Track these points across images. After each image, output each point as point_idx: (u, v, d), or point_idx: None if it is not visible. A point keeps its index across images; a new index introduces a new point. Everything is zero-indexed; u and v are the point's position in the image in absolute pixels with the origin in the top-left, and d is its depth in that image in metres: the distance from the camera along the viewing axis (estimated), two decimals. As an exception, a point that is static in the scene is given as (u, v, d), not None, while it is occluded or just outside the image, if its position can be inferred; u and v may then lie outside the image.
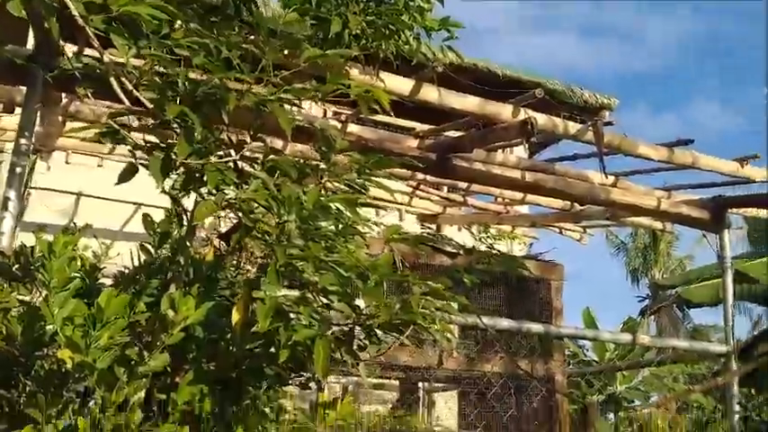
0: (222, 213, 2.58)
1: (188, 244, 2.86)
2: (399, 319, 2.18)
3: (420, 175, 7.10)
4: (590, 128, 5.18)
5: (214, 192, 2.43)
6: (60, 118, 5.95)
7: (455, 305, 2.67)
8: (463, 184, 7.70)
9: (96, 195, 9.74)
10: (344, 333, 2.35)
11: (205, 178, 2.40)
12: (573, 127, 5.19)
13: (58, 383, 2.65)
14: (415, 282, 2.32)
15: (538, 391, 5.22)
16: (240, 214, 2.40)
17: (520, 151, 9.37)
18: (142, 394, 2.56)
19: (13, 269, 3.16)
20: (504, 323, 4.95)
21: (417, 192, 8.58)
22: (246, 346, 2.37)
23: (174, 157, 2.39)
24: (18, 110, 7.25)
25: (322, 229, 2.34)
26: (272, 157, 2.52)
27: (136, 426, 2.49)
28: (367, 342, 2.37)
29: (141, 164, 2.60)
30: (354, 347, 2.36)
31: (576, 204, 8.32)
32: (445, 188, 9.50)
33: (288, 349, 2.24)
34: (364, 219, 2.61)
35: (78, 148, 8.25)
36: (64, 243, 2.41)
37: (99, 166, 10.13)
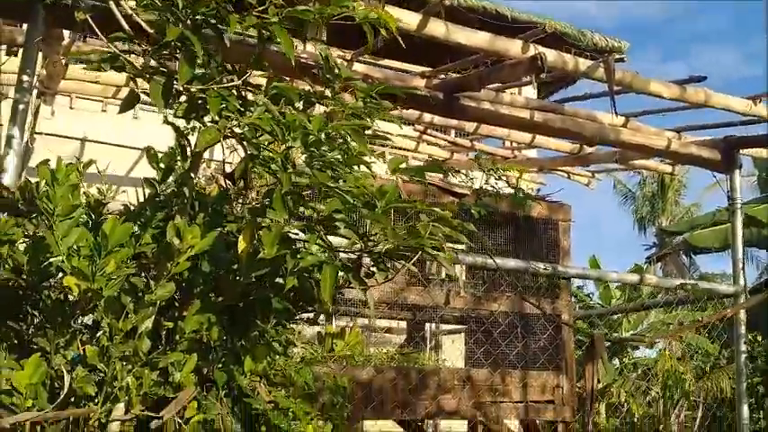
0: (226, 144, 2.53)
1: (192, 176, 2.83)
2: (407, 245, 2.15)
3: (427, 118, 7.02)
4: (601, 64, 5.07)
5: (217, 119, 2.39)
6: (63, 59, 5.87)
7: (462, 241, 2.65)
8: (470, 128, 7.61)
9: (101, 141, 9.70)
10: (352, 261, 2.33)
11: (208, 106, 2.35)
12: (583, 63, 5.08)
13: (65, 314, 2.66)
14: (422, 208, 2.28)
15: (544, 329, 5.23)
16: (244, 143, 2.36)
17: (528, 94, 9.23)
18: (149, 323, 2.56)
19: (19, 205, 3.15)
20: (512, 263, 4.94)
21: (424, 137, 8.50)
22: (253, 275, 2.36)
23: (175, 83, 2.34)
24: (19, 53, 7.15)
25: (328, 157, 2.30)
26: (275, 84, 2.46)
27: (144, 354, 2.50)
28: (374, 269, 2.35)
29: (143, 92, 2.55)
30: (362, 275, 2.34)
31: (584, 148, 8.24)
32: (453, 132, 9.41)
33: (294, 276, 2.23)
34: (370, 150, 2.56)
35: (82, 92, 8.15)
36: (67, 171, 2.38)
37: (103, 110, 10.06)
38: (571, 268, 5.33)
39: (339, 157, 2.30)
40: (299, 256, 2.26)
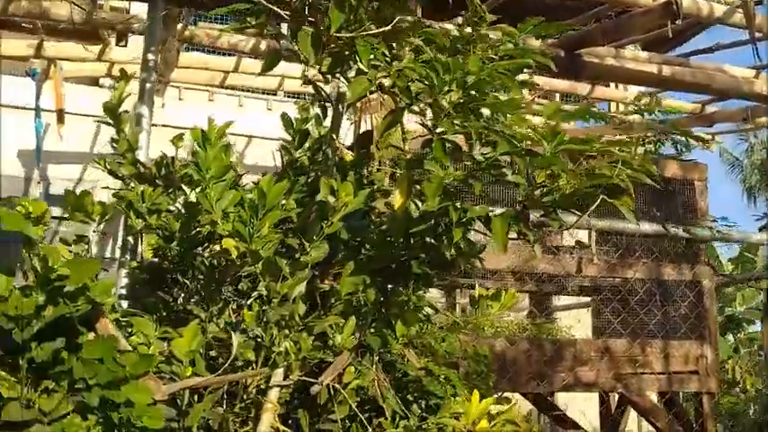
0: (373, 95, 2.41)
1: (335, 137, 2.73)
2: (594, 183, 1.97)
3: (538, 82, 6.74)
4: (738, 9, 4.68)
5: (365, 70, 2.27)
6: (176, 44, 5.96)
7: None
8: (584, 91, 7.26)
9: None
10: (518, 211, 2.16)
11: (356, 55, 2.23)
12: (719, 9, 4.71)
13: (217, 281, 2.62)
14: (602, 148, 2.08)
15: (684, 296, 4.91)
16: (396, 89, 2.23)
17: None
18: (303, 286, 2.49)
19: (156, 179, 3.16)
20: (648, 227, 4.65)
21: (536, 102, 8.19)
22: (412, 231, 2.23)
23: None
24: (128, 44, 7.33)
25: (488, 99, 2.14)
26: (425, 29, 2.32)
27: (300, 317, 2.43)
28: (543, 219, 2.18)
29: (287, 50, 2.46)
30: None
31: (706, 108, 7.75)
32: (557, 96, 9.02)
33: (461, 228, 2.08)
34: (522, 97, 2.39)
35: (192, 81, 8.33)
36: (219, 131, 2.32)
37: (210, 100, 10.28)
38: (710, 231, 4.97)
39: (499, 99, 2.14)
40: (462, 207, 2.11)
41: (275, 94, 10.65)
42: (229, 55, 8.66)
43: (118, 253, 3.71)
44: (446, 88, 2.05)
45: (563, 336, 5.19)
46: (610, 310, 4.88)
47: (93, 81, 9.63)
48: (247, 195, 2.18)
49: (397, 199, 2.18)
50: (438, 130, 2.12)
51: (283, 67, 8.74)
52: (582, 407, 6.99)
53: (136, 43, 9.07)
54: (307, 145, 3.13)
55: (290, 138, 3.15)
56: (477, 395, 2.45)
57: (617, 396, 5.74)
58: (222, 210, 2.29)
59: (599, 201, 2.01)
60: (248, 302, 2.72)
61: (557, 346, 4.61)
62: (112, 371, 2.04)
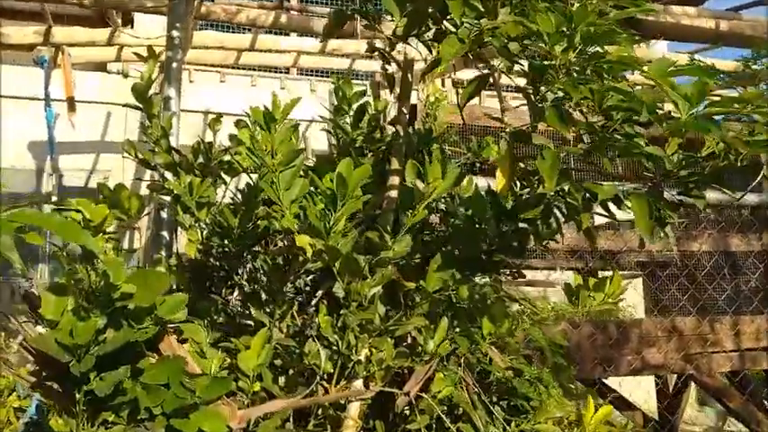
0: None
1: (405, 111, 2.39)
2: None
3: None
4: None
5: (453, 29, 1.92)
6: (193, 22, 5.61)
7: None
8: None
9: (223, 112, 9.56)
10: (651, 189, 1.83)
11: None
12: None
13: (282, 280, 2.30)
14: (759, 110, 1.74)
15: (755, 268, 4.58)
16: (490, 47, 1.88)
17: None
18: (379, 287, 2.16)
19: (194, 167, 2.83)
20: (713, 195, 4.30)
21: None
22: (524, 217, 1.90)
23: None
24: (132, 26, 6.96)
25: (608, 57, 1.79)
26: (518, -23, 1.96)
27: (382, 320, 2.10)
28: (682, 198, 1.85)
29: (353, 10, 2.11)
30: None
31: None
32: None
33: (588, 212, 1.75)
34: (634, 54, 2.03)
35: (205, 61, 7.98)
36: (284, 110, 1.98)
37: (222, 81, 9.92)
38: (778, 196, 4.62)
39: (623, 54, 1.79)
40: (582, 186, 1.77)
41: (287, 72, 10.27)
42: (242, 32, 8.29)
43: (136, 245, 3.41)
44: (564, 44, 1.70)
45: (625, 316, 4.87)
46: (661, 286, 4.55)
47: (100, 67, 9.27)
48: (338, 170, 1.84)
49: (499, 180, 1.84)
50: (550, 96, 1.78)
51: (299, 42, 8.37)
52: (629, 388, 6.69)
53: (143, 26, 8.72)
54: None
55: (327, 115, 2.82)
56: (591, 401, 2.12)
57: (674, 377, 5.45)
58: (291, 201, 1.95)
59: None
60: (314, 303, 2.41)
61: (622, 327, 4.28)
62: (180, 397, 1.73)
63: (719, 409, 9.13)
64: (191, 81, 9.54)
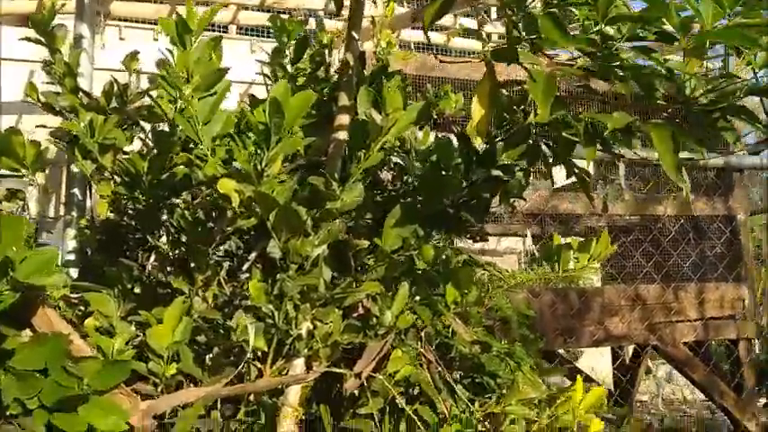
0: None
1: (357, 38, 1.99)
2: None
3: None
4: None
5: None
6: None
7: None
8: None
9: (156, 72, 8.93)
10: (664, 118, 1.49)
11: None
12: None
13: (205, 241, 1.89)
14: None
15: (720, 233, 4.36)
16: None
17: None
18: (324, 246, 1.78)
19: (107, 110, 2.39)
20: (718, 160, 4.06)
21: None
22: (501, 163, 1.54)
23: None
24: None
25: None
26: None
27: (328, 286, 1.72)
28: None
29: None
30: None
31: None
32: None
33: (592, 145, 1.39)
34: None
35: (134, 15, 7.36)
36: (200, 23, 1.55)
37: (155, 39, 9.27)
38: (745, 158, 4.40)
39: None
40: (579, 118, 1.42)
41: (226, 30, 9.66)
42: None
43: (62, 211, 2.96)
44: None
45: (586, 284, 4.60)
46: (643, 253, 4.31)
47: (23, 20, 8.53)
48: (272, 95, 1.42)
49: (476, 110, 1.46)
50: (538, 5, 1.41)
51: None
52: (590, 362, 6.50)
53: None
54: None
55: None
56: (581, 381, 1.80)
57: (631, 348, 5.26)
58: (212, 138, 1.54)
59: None
60: (246, 268, 2.01)
61: (584, 296, 4.01)
62: (63, 386, 1.33)
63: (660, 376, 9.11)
64: (121, 38, 8.87)
